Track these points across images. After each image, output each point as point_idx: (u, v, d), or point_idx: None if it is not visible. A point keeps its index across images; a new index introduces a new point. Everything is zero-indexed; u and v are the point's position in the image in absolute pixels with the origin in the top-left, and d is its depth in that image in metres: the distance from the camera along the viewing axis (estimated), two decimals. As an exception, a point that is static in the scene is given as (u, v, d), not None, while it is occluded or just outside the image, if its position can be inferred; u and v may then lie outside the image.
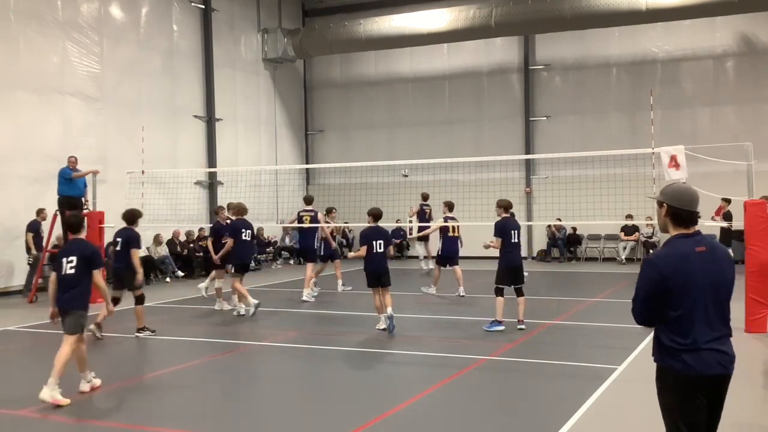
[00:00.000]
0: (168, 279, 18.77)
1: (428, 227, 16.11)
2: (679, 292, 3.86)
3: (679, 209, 3.99)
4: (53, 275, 7.58)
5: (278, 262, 23.12)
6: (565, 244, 23.48)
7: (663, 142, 12.46)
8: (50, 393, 7.11)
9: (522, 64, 24.41)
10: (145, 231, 18.32)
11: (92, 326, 10.19)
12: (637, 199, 15.87)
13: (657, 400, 4.05)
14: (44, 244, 15.58)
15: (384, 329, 10.70)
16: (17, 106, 16.65)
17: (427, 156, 20.89)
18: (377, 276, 10.83)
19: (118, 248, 10.92)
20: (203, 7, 22.21)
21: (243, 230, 12.59)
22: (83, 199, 15.30)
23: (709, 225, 18.19)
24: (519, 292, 10.89)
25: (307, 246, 15.30)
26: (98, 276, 7.56)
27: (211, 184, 22.40)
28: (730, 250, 18.95)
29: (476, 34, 22.43)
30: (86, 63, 18.38)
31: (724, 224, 17.69)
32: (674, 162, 11.31)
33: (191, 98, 21.90)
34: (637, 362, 8.44)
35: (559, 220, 21.62)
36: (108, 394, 7.77)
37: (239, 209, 12.92)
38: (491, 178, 20.93)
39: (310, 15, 27.12)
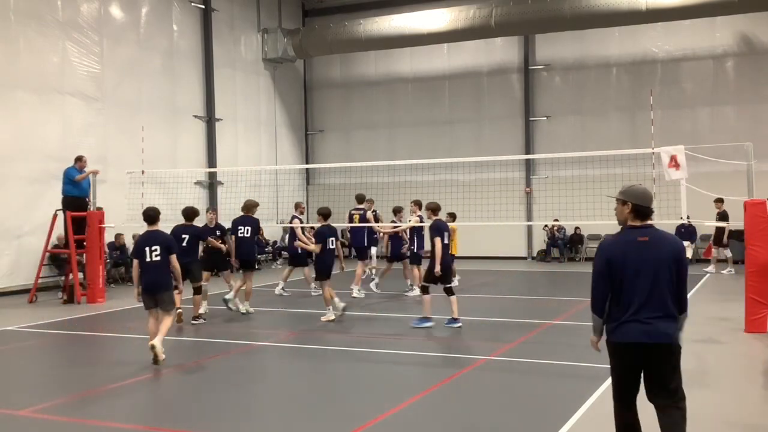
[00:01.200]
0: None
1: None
2: (618, 271, 4.74)
3: (641, 206, 4.85)
4: (135, 262, 9.02)
5: (278, 262, 23.10)
6: (566, 244, 23.49)
7: (663, 142, 12.45)
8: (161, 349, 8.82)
9: (522, 64, 24.41)
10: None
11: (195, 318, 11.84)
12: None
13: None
14: (45, 243, 15.57)
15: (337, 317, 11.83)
16: (17, 106, 16.65)
17: (427, 156, 20.89)
18: (329, 271, 11.83)
19: (184, 244, 11.27)
20: (203, 7, 22.22)
21: (240, 227, 12.68)
22: (86, 199, 15.32)
23: (709, 225, 18.27)
24: (450, 292, 11.09)
25: (357, 244, 15.51)
26: (175, 259, 9.07)
27: (211, 184, 22.41)
28: (728, 251, 19.03)
29: (476, 34, 22.42)
30: (86, 63, 18.39)
31: (722, 224, 17.71)
32: (674, 162, 11.30)
33: (191, 98, 21.90)
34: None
35: (557, 220, 21.61)
36: (108, 394, 7.77)
37: (245, 206, 13.00)
38: (491, 178, 20.94)
39: (310, 15, 27.12)
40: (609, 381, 7.58)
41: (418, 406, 7.02)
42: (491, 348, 9.61)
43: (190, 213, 11.80)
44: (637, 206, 4.84)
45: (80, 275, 15.20)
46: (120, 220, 16.30)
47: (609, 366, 4.89)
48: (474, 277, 18.36)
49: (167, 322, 8.94)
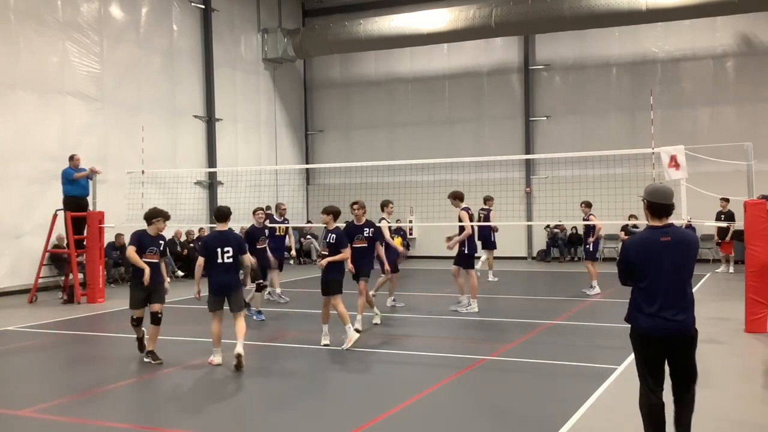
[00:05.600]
0: (168, 279, 18.73)
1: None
2: (641, 269, 4.98)
3: (653, 203, 5.03)
4: (201, 260, 8.69)
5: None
6: (566, 244, 23.48)
7: (663, 142, 12.45)
8: (219, 359, 8.74)
9: (522, 64, 24.41)
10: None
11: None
12: (637, 199, 15.82)
13: None
14: (45, 243, 15.57)
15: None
16: (17, 106, 16.65)
17: (427, 156, 20.88)
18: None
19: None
20: (203, 7, 22.22)
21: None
22: (87, 199, 15.32)
23: (709, 225, 18.27)
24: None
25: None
26: (247, 257, 8.90)
27: (211, 184, 22.42)
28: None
29: (476, 34, 22.42)
30: (86, 63, 18.39)
31: (722, 224, 17.74)
32: (674, 162, 11.31)
33: (191, 98, 21.90)
34: (637, 362, 8.43)
35: (560, 220, 21.58)
36: (108, 394, 7.78)
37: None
38: (491, 178, 20.92)
39: (310, 15, 27.12)
40: (609, 381, 7.67)
41: (418, 406, 7.01)
42: (491, 348, 9.61)
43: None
44: (650, 202, 5.04)
45: (80, 275, 15.20)
46: (120, 220, 16.29)
47: (634, 354, 5.22)
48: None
49: (242, 323, 8.82)
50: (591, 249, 15.17)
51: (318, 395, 7.61)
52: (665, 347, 4.99)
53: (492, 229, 16.87)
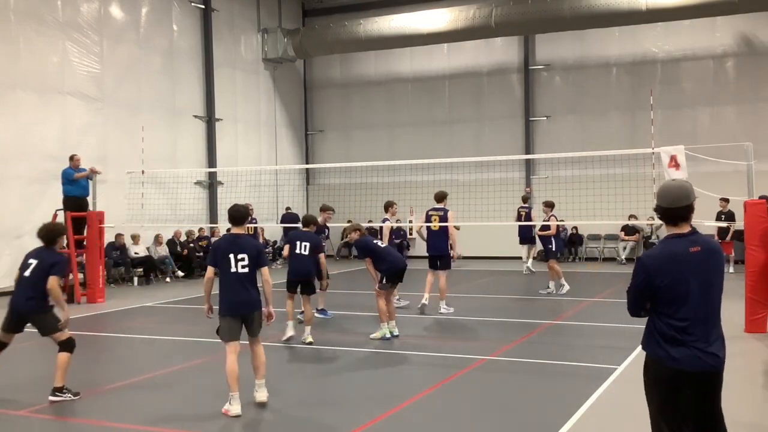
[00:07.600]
0: (168, 279, 18.81)
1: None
2: (668, 291, 3.95)
3: (660, 207, 4.06)
4: (210, 270, 7.02)
5: (278, 263, 23.05)
6: (566, 244, 23.45)
7: (663, 142, 12.46)
8: (237, 408, 6.81)
9: (522, 64, 24.41)
10: (146, 231, 18.41)
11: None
12: (637, 199, 15.87)
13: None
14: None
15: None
16: (17, 106, 16.65)
17: (427, 156, 20.88)
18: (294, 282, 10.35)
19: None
20: (203, 7, 22.22)
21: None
22: (86, 199, 15.34)
23: (709, 225, 18.27)
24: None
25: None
26: (267, 272, 7.08)
27: (211, 184, 22.42)
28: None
29: (476, 34, 22.43)
30: (86, 63, 18.39)
31: (723, 224, 17.76)
32: (674, 162, 11.32)
33: (191, 98, 21.90)
34: (637, 362, 8.41)
35: (562, 220, 21.58)
36: (108, 394, 7.77)
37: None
38: (491, 178, 20.92)
39: (310, 15, 27.13)
40: (609, 381, 7.67)
41: (418, 406, 7.02)
42: (491, 348, 9.61)
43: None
44: (660, 207, 4.08)
45: (80, 275, 15.21)
46: (120, 220, 16.30)
47: (651, 396, 4.09)
48: (474, 277, 18.39)
49: (261, 352, 7.11)
50: (552, 249, 15.21)
51: (318, 395, 7.61)
52: (698, 388, 3.97)
53: (532, 226, 17.77)
